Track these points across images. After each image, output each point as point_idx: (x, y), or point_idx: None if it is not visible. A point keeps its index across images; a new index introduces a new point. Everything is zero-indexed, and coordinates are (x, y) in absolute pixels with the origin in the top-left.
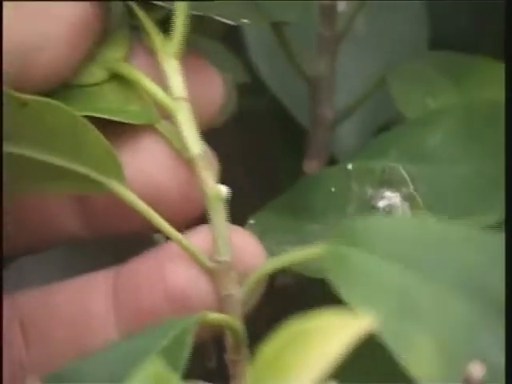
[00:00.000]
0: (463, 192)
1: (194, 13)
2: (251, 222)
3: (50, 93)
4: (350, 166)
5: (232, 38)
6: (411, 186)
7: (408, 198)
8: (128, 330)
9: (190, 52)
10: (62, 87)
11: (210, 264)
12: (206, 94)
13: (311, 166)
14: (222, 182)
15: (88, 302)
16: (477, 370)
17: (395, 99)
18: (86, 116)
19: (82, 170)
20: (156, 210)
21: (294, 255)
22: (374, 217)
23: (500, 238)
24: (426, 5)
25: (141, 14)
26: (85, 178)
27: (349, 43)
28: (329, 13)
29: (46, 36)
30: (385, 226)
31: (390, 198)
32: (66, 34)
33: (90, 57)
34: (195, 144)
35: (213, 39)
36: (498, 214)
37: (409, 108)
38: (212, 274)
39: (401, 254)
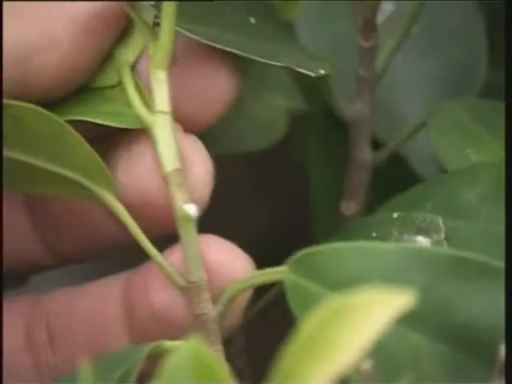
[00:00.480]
0: (495, 252)
1: (274, 63)
2: None
3: (64, 96)
4: (395, 215)
5: None
6: (443, 235)
7: (436, 244)
8: (138, 337)
9: (195, 49)
10: (80, 90)
11: (182, 284)
12: (209, 92)
13: (348, 207)
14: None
15: (103, 308)
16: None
17: (436, 147)
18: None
19: (73, 176)
20: (140, 218)
21: (263, 276)
22: (331, 245)
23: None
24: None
25: (138, 18)
26: (75, 185)
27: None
28: (369, 55)
29: (51, 37)
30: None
31: (421, 242)
32: (72, 36)
33: (109, 58)
34: (169, 161)
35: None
36: None
37: (449, 158)
38: (186, 293)
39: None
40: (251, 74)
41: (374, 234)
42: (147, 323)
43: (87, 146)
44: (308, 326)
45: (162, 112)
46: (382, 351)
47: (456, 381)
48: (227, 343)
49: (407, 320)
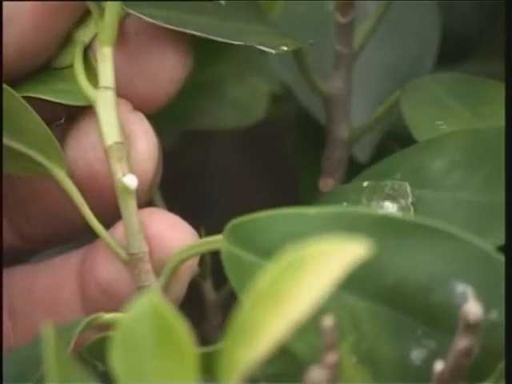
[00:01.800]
0: (462, 219)
1: (235, 42)
2: None
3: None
4: (365, 184)
5: None
6: (410, 200)
7: (403, 209)
8: (92, 313)
9: (148, 28)
10: (42, 70)
11: (125, 257)
12: (159, 72)
13: (327, 184)
14: (237, 188)
15: (60, 287)
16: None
17: (407, 120)
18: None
19: (23, 149)
20: (88, 195)
21: (201, 246)
22: (262, 213)
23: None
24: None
25: None
26: (27, 159)
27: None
28: (346, 31)
29: (10, 15)
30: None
31: (388, 207)
32: (31, 14)
33: (69, 39)
34: (110, 135)
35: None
36: (497, 241)
37: (420, 130)
38: (128, 265)
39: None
40: (235, 59)
41: (344, 203)
42: (97, 298)
43: (39, 119)
44: (263, 278)
45: (106, 88)
46: (322, 316)
47: (398, 339)
48: (204, 321)
49: (343, 283)
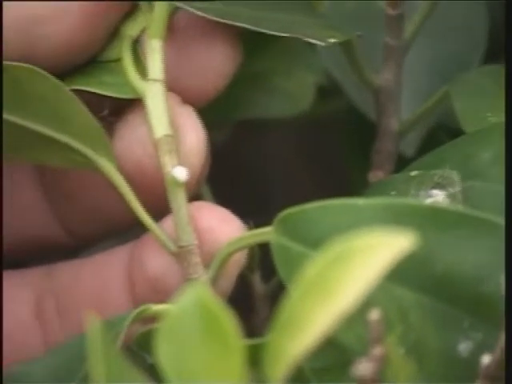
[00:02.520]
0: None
1: (283, 34)
2: None
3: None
4: (413, 173)
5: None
6: (458, 188)
7: (451, 197)
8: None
9: (196, 22)
10: (88, 64)
11: (174, 249)
12: (208, 66)
13: (376, 176)
14: (290, 182)
15: (106, 282)
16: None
17: (456, 112)
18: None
19: (70, 142)
20: (135, 189)
21: (250, 238)
22: (312, 204)
23: None
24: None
25: None
26: (73, 151)
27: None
28: (395, 22)
29: (58, 8)
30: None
31: (436, 195)
32: (80, 8)
33: (116, 33)
34: (159, 127)
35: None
36: None
37: (468, 122)
38: (177, 258)
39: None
40: (284, 52)
41: (392, 193)
42: (145, 292)
43: (87, 111)
44: (310, 270)
45: (155, 80)
46: (370, 308)
47: (445, 331)
48: (252, 314)
49: (391, 274)
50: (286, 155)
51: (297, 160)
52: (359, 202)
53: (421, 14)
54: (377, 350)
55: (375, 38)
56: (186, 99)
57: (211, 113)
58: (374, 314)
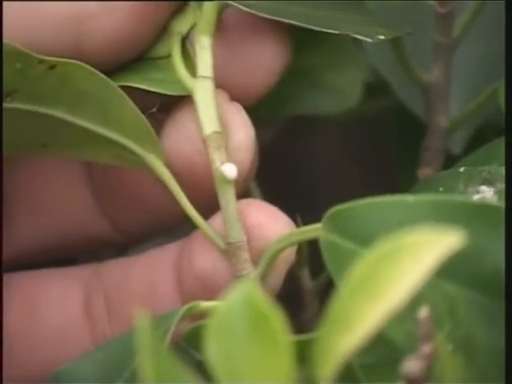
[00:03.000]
0: None
1: (331, 31)
2: None
3: (122, 66)
4: (461, 170)
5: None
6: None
7: (499, 193)
8: None
9: (245, 20)
10: (136, 61)
11: (223, 246)
12: (258, 63)
13: (425, 174)
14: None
15: (156, 280)
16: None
17: (503, 108)
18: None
19: (119, 139)
20: (184, 186)
21: (299, 235)
22: (361, 201)
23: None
24: None
25: None
26: (121, 148)
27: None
28: (445, 20)
29: (108, 3)
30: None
31: (484, 191)
32: (129, 5)
33: (165, 30)
34: (208, 124)
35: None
36: None
37: None
38: (226, 255)
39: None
40: (332, 49)
41: (440, 189)
42: (194, 289)
43: (135, 108)
44: (359, 268)
45: (204, 77)
46: (419, 304)
47: (494, 328)
48: (301, 310)
49: (441, 271)
50: (333, 153)
51: (344, 157)
52: (408, 198)
53: (470, 12)
54: (426, 348)
55: (422, 35)
56: (235, 97)
57: (260, 109)
58: (424, 312)
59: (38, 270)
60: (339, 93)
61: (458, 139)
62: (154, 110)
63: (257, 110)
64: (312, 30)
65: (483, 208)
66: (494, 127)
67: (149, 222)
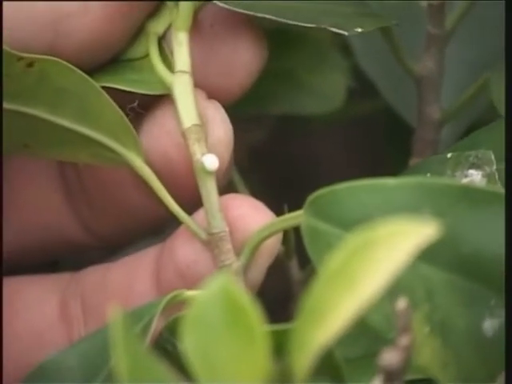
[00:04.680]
0: None
1: (306, 25)
2: None
3: (97, 68)
4: (449, 155)
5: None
6: (494, 167)
7: (487, 176)
8: None
9: (223, 21)
10: (110, 62)
11: (205, 237)
12: (234, 64)
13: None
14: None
15: (133, 280)
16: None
17: (494, 97)
18: None
19: (99, 137)
20: (164, 183)
21: (281, 223)
22: (342, 185)
23: None
24: None
25: None
26: (101, 146)
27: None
28: (438, 11)
29: (82, 3)
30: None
31: (472, 175)
32: (100, 5)
33: (140, 31)
34: (188, 117)
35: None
36: None
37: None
38: (208, 246)
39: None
40: (314, 50)
41: (428, 175)
42: (175, 282)
43: (114, 105)
44: (334, 259)
45: (182, 72)
46: (397, 287)
47: (472, 310)
48: (290, 300)
49: (419, 253)
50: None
51: (338, 157)
52: (389, 181)
53: (463, 4)
54: (404, 340)
55: (415, 28)
56: (212, 97)
57: (243, 108)
58: (401, 303)
59: (18, 276)
60: (322, 95)
61: (450, 132)
62: (135, 104)
63: (240, 110)
64: (294, 30)
65: (464, 190)
66: (487, 123)
67: (125, 227)
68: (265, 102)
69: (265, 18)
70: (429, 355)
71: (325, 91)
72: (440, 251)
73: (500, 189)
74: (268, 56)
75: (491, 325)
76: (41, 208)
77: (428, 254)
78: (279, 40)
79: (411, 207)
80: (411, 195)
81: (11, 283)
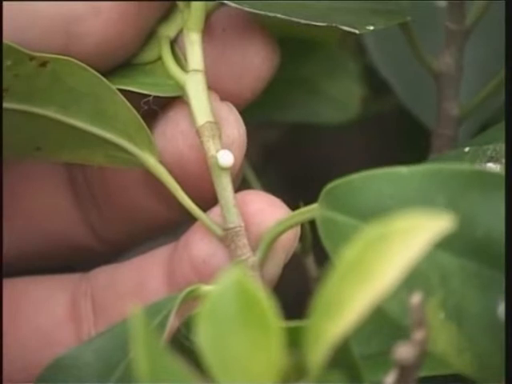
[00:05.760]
0: None
1: (317, 23)
2: None
3: (108, 71)
4: (466, 149)
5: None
6: None
7: None
8: None
9: (235, 26)
10: (122, 66)
11: (221, 233)
12: (246, 68)
13: None
14: None
15: (145, 279)
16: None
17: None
18: None
19: (113, 138)
20: (178, 182)
21: (297, 216)
22: (356, 175)
23: None
24: None
25: None
26: (115, 147)
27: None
28: (458, 7)
29: (94, 6)
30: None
31: (491, 168)
32: (116, 6)
33: (152, 35)
34: (202, 115)
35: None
36: None
37: None
38: (224, 241)
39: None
40: (330, 59)
41: None
42: (190, 278)
43: (129, 105)
44: (348, 253)
45: (195, 70)
46: (412, 275)
47: (486, 294)
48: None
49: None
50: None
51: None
52: (402, 170)
53: (482, 0)
54: (418, 334)
55: (432, 22)
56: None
57: (256, 114)
58: (416, 298)
59: (27, 276)
60: (337, 104)
61: (468, 129)
62: (151, 98)
63: (254, 116)
64: (306, 38)
65: (476, 174)
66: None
67: (133, 232)
68: (279, 110)
69: (276, 24)
70: (444, 342)
71: (340, 100)
72: (454, 237)
73: None
74: (281, 63)
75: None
76: (49, 213)
77: (442, 240)
78: (293, 47)
79: (425, 194)
80: (424, 182)
81: (20, 283)
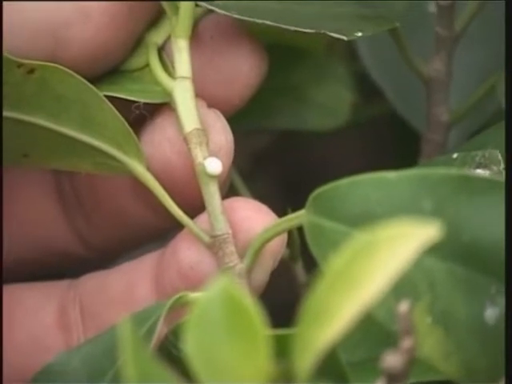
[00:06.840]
0: None
1: (305, 30)
2: None
3: (96, 78)
4: (455, 156)
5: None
6: (502, 166)
7: (495, 175)
8: None
9: (223, 33)
10: (110, 73)
11: (208, 240)
12: (234, 75)
13: None
14: None
15: (133, 286)
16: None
17: (501, 99)
18: None
19: (100, 144)
20: (165, 189)
21: (285, 223)
22: (343, 181)
23: None
24: None
25: None
26: (103, 154)
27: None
28: (447, 13)
29: (83, 12)
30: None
31: (479, 175)
32: (105, 12)
33: (140, 42)
34: (189, 122)
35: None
36: None
37: None
38: (211, 248)
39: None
40: (318, 66)
41: None
42: (178, 285)
43: (116, 112)
44: (336, 262)
45: (183, 77)
46: (400, 280)
47: (473, 298)
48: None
49: None
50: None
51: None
52: (390, 175)
53: (472, 5)
54: (406, 343)
55: (422, 28)
56: (212, 108)
57: (245, 122)
58: (403, 306)
59: (16, 283)
60: (326, 110)
61: (458, 135)
62: (141, 103)
63: (243, 124)
64: (294, 45)
65: (463, 179)
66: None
67: (121, 238)
68: (267, 117)
69: (264, 31)
70: (431, 346)
71: (329, 106)
72: (441, 242)
73: (499, 177)
74: (270, 71)
75: (492, 312)
76: (36, 220)
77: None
78: (281, 54)
79: (412, 199)
80: (412, 187)
81: (9, 290)
